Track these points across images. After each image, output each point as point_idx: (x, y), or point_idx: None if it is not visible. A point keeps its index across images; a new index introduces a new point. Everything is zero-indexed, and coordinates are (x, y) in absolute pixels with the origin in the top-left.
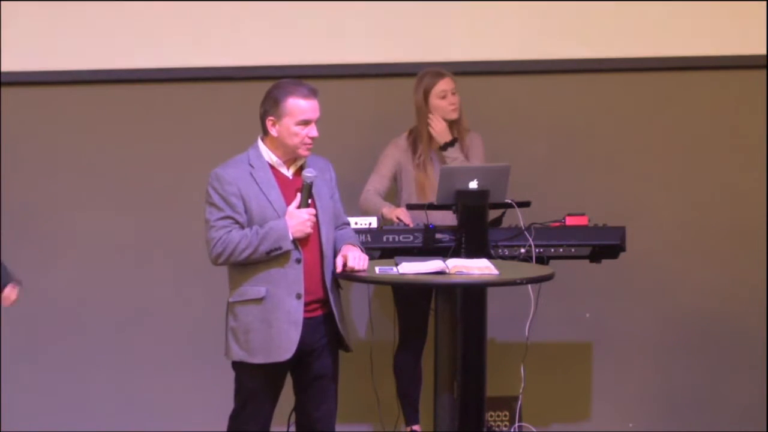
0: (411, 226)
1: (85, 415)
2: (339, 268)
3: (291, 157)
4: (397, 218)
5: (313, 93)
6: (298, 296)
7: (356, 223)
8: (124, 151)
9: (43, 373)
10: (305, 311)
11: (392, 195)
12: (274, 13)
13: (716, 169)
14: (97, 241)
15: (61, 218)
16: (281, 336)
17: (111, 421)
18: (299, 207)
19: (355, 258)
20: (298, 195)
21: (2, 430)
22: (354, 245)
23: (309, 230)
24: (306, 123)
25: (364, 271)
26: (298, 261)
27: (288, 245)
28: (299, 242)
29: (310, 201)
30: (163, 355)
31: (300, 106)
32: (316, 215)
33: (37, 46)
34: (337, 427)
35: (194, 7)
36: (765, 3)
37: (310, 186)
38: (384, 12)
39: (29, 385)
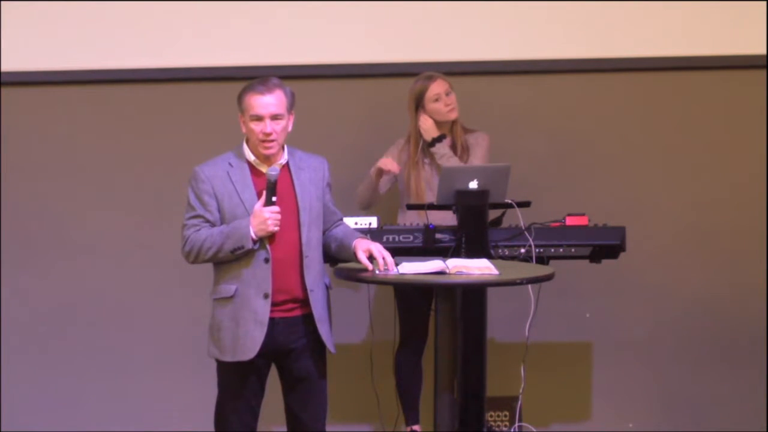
0: (396, 171)
1: (86, 415)
2: (367, 263)
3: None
4: (380, 169)
5: (267, 89)
6: (266, 296)
7: (356, 223)
8: (124, 151)
9: (43, 373)
10: (280, 311)
11: (396, 195)
12: (273, 13)
13: (716, 169)
14: (97, 241)
15: (60, 218)
16: (246, 335)
17: (112, 420)
18: (264, 206)
19: (383, 254)
20: (264, 193)
21: (2, 430)
22: (364, 237)
23: (272, 229)
24: (258, 118)
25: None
26: (266, 260)
27: (249, 244)
28: (270, 241)
29: (275, 199)
30: (164, 354)
31: (251, 101)
32: (297, 215)
33: (37, 46)
34: (337, 427)
35: (194, 8)
36: (765, 3)
37: (273, 184)
38: (382, 12)
39: (29, 385)
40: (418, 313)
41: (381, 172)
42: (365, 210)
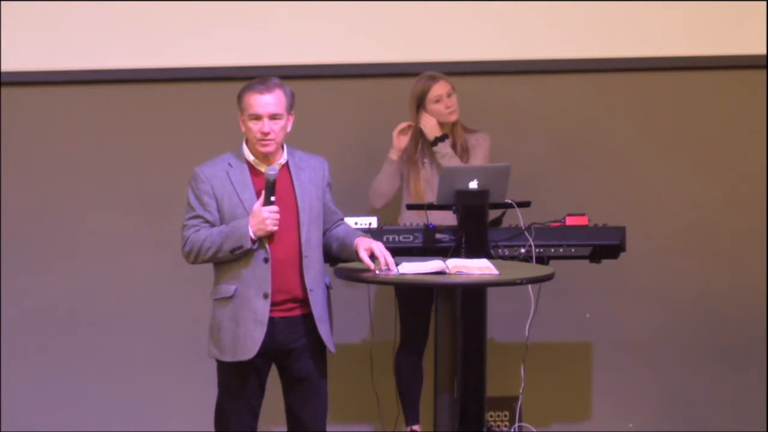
0: (411, 122)
1: (86, 415)
2: (369, 263)
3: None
4: (399, 131)
5: (266, 88)
6: (265, 296)
7: (356, 223)
8: (124, 151)
9: (43, 373)
10: (279, 311)
11: (397, 195)
12: (273, 13)
13: (716, 169)
14: (97, 241)
15: (61, 218)
16: (246, 335)
17: (112, 420)
18: (263, 206)
19: (384, 254)
20: (263, 193)
21: (2, 430)
22: (365, 236)
23: (271, 228)
24: (257, 117)
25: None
26: (266, 260)
27: (248, 244)
28: (269, 241)
29: (273, 199)
30: (164, 354)
31: (250, 100)
32: (297, 215)
33: (37, 46)
34: (337, 427)
35: (194, 7)
36: (765, 3)
37: (272, 184)
38: (382, 12)
39: (29, 385)
40: (419, 313)
41: (401, 135)
42: (382, 206)
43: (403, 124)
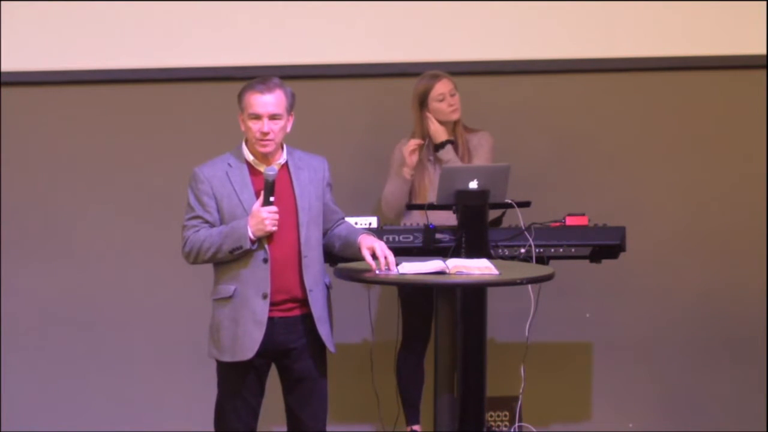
0: (420, 141)
1: (86, 415)
2: (371, 261)
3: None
4: (410, 151)
5: (267, 88)
6: (264, 296)
7: (356, 223)
8: (124, 151)
9: (43, 373)
10: (279, 311)
11: None
12: (273, 13)
13: (716, 169)
14: (97, 241)
15: (61, 218)
16: (245, 335)
17: (112, 420)
18: (262, 206)
19: (385, 254)
20: (262, 193)
21: (2, 430)
22: (369, 234)
23: (270, 229)
24: (256, 117)
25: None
26: (265, 261)
27: (248, 244)
28: (269, 241)
29: (272, 199)
30: (164, 354)
31: (250, 99)
32: (296, 215)
33: (37, 46)
34: (337, 427)
35: (194, 8)
36: (765, 3)
37: (271, 184)
38: (384, 12)
39: (29, 385)
40: (420, 314)
41: (413, 154)
42: (397, 217)
43: (414, 145)
